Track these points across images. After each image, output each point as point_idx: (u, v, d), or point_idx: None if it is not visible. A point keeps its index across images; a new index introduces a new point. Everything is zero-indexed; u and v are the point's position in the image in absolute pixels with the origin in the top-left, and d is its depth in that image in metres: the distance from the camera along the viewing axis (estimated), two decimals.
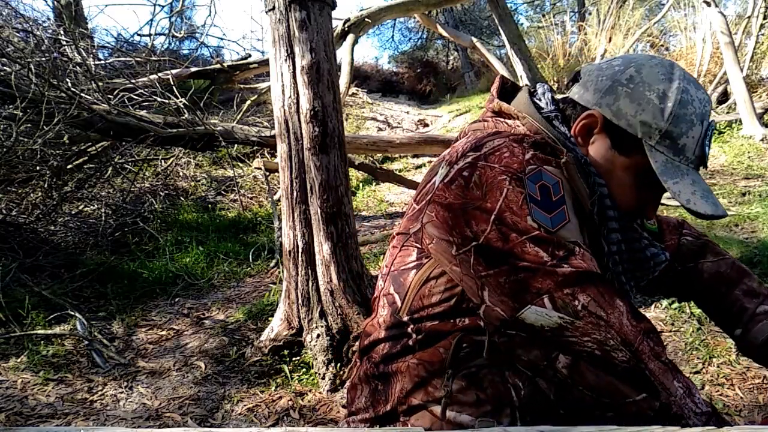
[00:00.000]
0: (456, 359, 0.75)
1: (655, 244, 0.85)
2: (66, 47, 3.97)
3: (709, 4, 5.35)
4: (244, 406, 1.95)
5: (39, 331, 2.35)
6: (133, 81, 4.28)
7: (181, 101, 3.82)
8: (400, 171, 5.41)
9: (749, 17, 5.98)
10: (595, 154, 0.77)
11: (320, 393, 2.00)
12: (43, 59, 3.30)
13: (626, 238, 0.80)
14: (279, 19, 2.07)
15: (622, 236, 0.79)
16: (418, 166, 5.70)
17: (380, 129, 7.03)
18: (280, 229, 2.94)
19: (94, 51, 4.73)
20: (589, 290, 0.64)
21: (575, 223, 0.69)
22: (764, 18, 5.88)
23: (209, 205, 4.35)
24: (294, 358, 2.16)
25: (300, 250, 2.16)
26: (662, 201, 3.78)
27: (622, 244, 0.79)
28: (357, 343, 1.73)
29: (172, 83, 4.05)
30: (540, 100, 0.84)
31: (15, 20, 4.11)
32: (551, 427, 0.60)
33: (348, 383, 1.01)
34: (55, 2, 5.51)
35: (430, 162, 5.69)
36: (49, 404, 1.95)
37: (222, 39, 12.71)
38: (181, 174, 4.77)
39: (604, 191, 0.76)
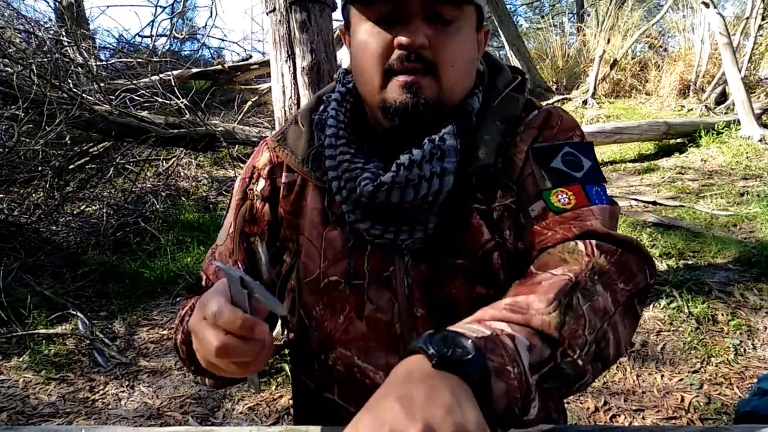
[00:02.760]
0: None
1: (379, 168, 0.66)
2: (68, 48, 3.99)
3: (707, 5, 5.37)
4: (245, 405, 1.96)
5: (41, 331, 2.36)
6: (134, 82, 4.30)
7: (182, 102, 3.83)
8: None
9: (747, 18, 6.00)
10: (352, 51, 0.70)
11: None
12: (45, 60, 3.32)
13: (345, 178, 0.65)
14: (280, 21, 2.08)
15: (343, 183, 0.65)
16: None
17: None
18: None
19: (95, 52, 4.75)
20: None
21: (225, 227, 0.77)
22: (762, 19, 5.90)
23: (210, 205, 4.37)
24: None
25: None
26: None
27: (344, 190, 0.65)
28: None
29: (173, 84, 4.07)
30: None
31: (17, 21, 4.13)
32: (551, 426, 0.62)
33: None
34: (57, 3, 5.53)
35: None
36: (50, 403, 1.96)
37: (223, 40, 12.79)
38: (182, 174, 4.78)
39: (329, 140, 0.67)
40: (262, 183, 0.74)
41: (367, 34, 0.64)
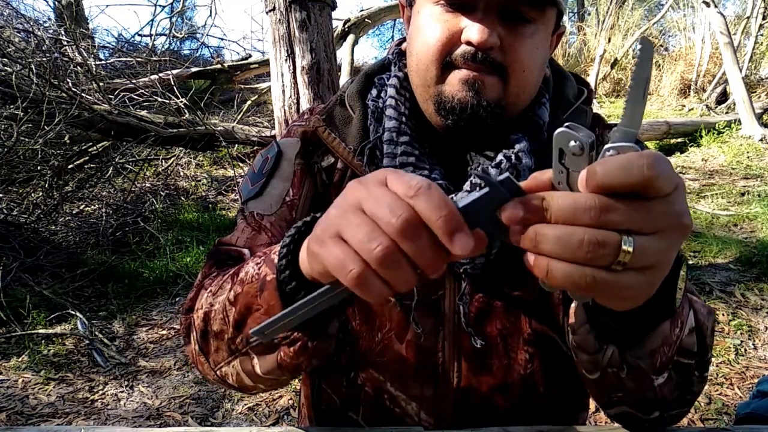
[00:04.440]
0: None
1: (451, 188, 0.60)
2: (67, 47, 3.98)
3: (708, 5, 5.36)
4: (245, 405, 1.95)
5: (40, 331, 2.35)
6: (133, 81, 4.29)
7: (181, 101, 3.83)
8: None
9: (748, 18, 6.00)
10: (410, 32, 0.65)
11: None
12: (44, 59, 3.31)
13: None
14: (279, 20, 2.08)
15: None
16: None
17: None
18: None
19: (94, 51, 4.74)
20: (205, 266, 0.64)
21: (275, 195, 0.65)
22: (763, 18, 5.89)
23: (210, 205, 4.36)
24: None
25: None
26: None
27: None
28: None
29: (172, 83, 4.06)
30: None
31: (16, 20, 4.12)
32: (551, 427, 0.62)
33: None
34: (56, 3, 5.53)
35: None
36: (50, 403, 1.96)
37: (222, 39, 12.78)
38: (181, 174, 4.77)
39: (389, 134, 0.61)
40: (331, 160, 0.66)
41: (432, 17, 0.58)
